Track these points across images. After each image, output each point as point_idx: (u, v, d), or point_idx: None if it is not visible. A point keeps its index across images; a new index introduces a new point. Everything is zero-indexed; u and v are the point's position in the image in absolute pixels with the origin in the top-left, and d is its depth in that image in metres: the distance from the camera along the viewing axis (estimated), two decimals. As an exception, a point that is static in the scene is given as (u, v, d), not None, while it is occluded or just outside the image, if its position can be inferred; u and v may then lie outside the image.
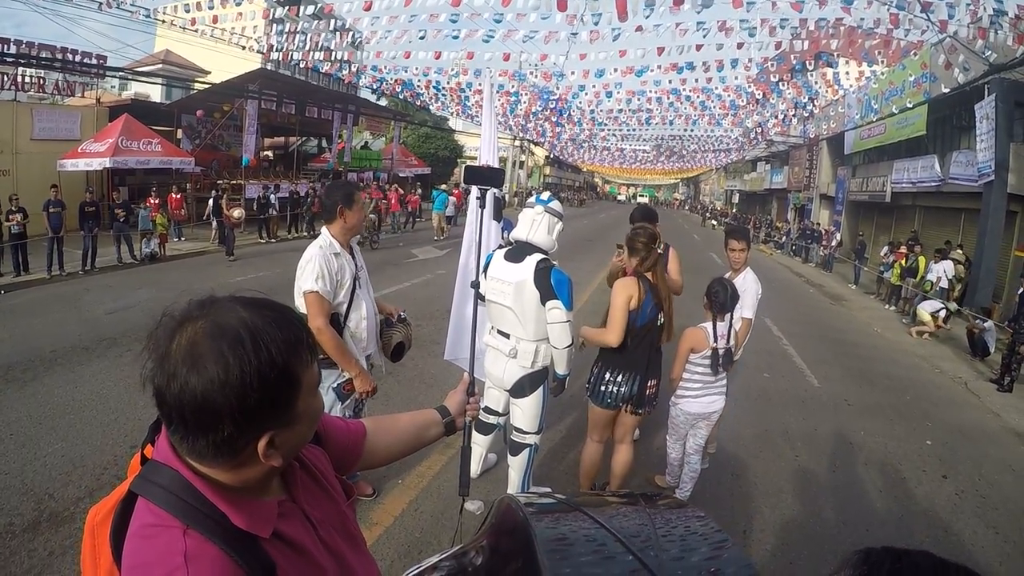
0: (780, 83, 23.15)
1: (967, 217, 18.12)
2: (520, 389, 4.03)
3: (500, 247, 4.38)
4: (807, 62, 21.28)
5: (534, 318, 3.85)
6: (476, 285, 3.39)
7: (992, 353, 11.38)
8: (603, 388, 3.81)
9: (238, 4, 23.60)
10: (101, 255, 14.00)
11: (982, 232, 15.04)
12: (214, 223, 18.34)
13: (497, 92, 23.62)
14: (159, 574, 0.93)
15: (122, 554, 0.98)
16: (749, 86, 21.80)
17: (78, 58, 19.62)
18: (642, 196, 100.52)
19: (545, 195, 4.26)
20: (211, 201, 18.77)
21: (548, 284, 3.80)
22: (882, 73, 19.86)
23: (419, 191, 31.79)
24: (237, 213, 16.81)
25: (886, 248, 18.98)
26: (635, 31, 13.66)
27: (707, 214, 55.21)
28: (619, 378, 3.77)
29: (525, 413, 4.06)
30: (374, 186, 26.65)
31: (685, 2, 11.64)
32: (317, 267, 3.46)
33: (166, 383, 0.94)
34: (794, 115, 25.97)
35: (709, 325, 4.26)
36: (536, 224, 4.04)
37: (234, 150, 25.88)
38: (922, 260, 16.07)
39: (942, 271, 14.67)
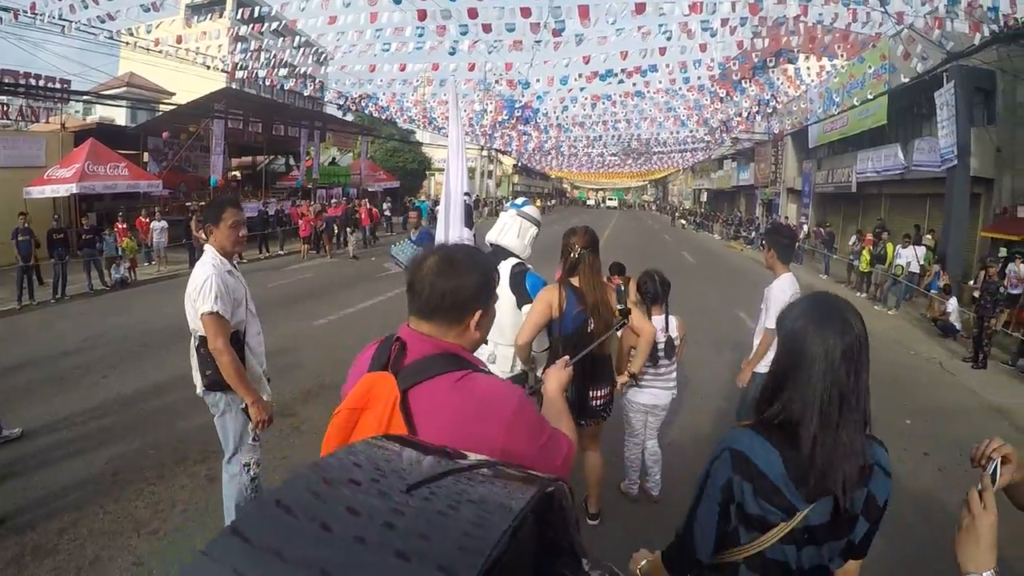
0: (743, 81, 23.49)
1: (932, 202, 18.55)
2: None
3: None
4: (768, 60, 21.63)
5: (511, 323, 3.83)
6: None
7: (960, 330, 11.67)
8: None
9: (201, 22, 23.41)
10: (71, 282, 13.74)
11: (948, 215, 15.44)
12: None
13: (463, 100, 23.76)
14: (514, 395, 1.52)
15: (412, 410, 1.44)
16: (712, 86, 22.07)
17: (41, 83, 19.35)
18: (611, 199, 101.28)
19: (519, 200, 4.31)
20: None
21: (523, 288, 3.81)
22: (842, 67, 20.25)
23: (388, 204, 31.87)
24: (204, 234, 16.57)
25: (854, 238, 19.23)
26: (598, 41, 13.80)
27: (676, 214, 55.73)
28: None
29: None
30: (343, 201, 26.70)
31: (646, 7, 11.81)
32: (215, 287, 3.29)
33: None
34: (758, 112, 26.36)
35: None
36: (507, 228, 4.06)
37: (202, 171, 25.64)
38: (889, 247, 16.34)
39: (912, 255, 14.91)
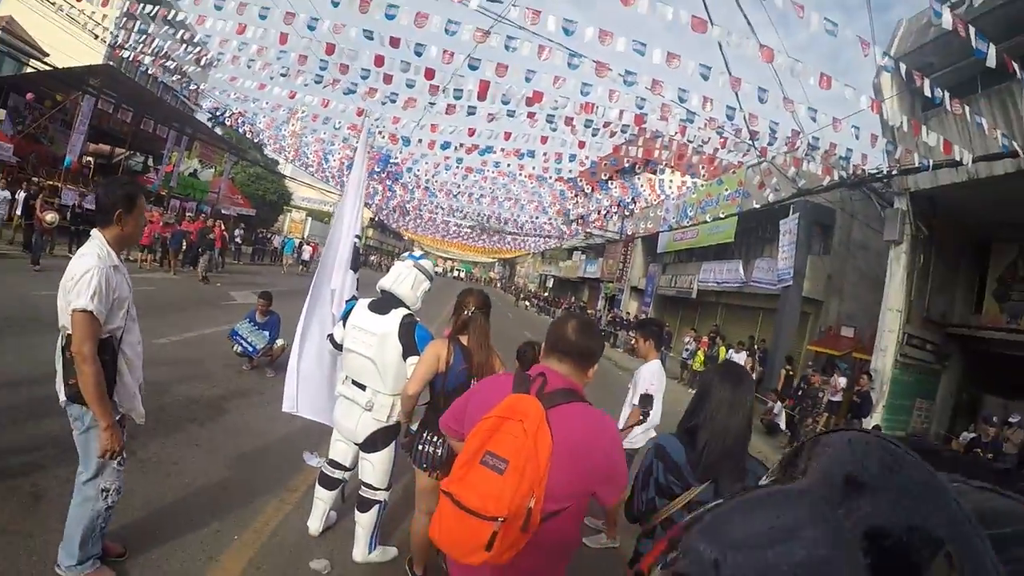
0: (609, 180, 25.08)
1: (765, 315, 20.83)
2: (372, 443, 3.96)
3: (354, 297, 4.44)
4: (637, 166, 23.32)
5: (394, 372, 3.83)
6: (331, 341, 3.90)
7: (783, 429, 13.39)
8: (419, 447, 3.63)
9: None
10: None
11: (778, 328, 17.42)
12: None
13: (341, 144, 23.47)
14: (612, 421, 2.22)
15: (552, 423, 1.96)
16: (580, 180, 23.21)
17: None
18: (459, 269, 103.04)
19: (418, 252, 4.44)
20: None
21: (412, 339, 3.81)
22: (702, 185, 22.36)
23: (241, 231, 30.76)
24: (50, 216, 15.16)
25: (689, 338, 20.92)
26: (486, 117, 14.00)
27: (520, 295, 57.71)
28: (434, 439, 3.58)
29: (376, 468, 3.99)
30: (202, 217, 25.24)
31: (543, 97, 12.24)
32: (96, 282, 2.84)
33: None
34: (615, 212, 28.12)
35: None
36: (402, 277, 4.08)
37: (57, 147, 23.33)
38: (722, 350, 18.06)
39: (742, 361, 16.53)
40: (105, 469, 3.06)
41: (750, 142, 12.65)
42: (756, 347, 18.02)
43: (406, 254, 4.35)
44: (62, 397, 2.98)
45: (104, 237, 3.00)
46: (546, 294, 57.18)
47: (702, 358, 18.77)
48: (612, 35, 8.70)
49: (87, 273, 2.83)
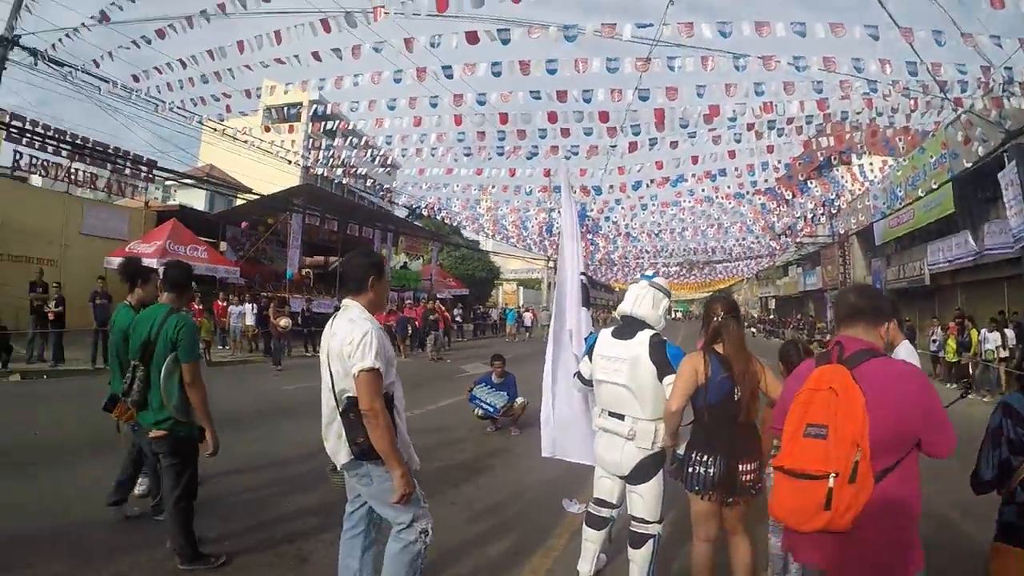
0: (808, 181, 23.85)
1: (1011, 284, 18.18)
2: (639, 474, 3.76)
3: (592, 332, 4.40)
4: (832, 158, 22.02)
5: (652, 395, 3.67)
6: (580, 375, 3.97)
7: None
8: (690, 470, 3.42)
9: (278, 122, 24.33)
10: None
11: (1030, 293, 15.11)
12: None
13: (534, 208, 24.47)
14: (918, 369, 2.38)
15: (858, 381, 2.14)
16: (778, 188, 22.23)
17: (130, 159, 19.43)
18: (677, 311, 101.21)
19: (650, 272, 4.32)
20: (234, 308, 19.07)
21: (665, 358, 3.66)
22: (904, 160, 20.67)
23: (459, 311, 32.78)
24: (284, 322, 17.12)
25: (935, 329, 18.65)
26: (670, 145, 13.77)
27: (744, 322, 55.37)
28: (704, 459, 3.36)
29: (646, 500, 3.76)
30: (423, 302, 27.44)
31: (719, 110, 11.78)
32: (376, 341, 2.96)
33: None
34: (822, 213, 26.52)
35: None
36: (640, 298, 3.93)
37: (277, 264, 26.67)
38: (973, 333, 16.07)
39: (998, 340, 14.70)
40: (420, 513, 3.15)
41: (942, 95, 11.64)
42: (1009, 321, 15.97)
43: (639, 275, 4.27)
44: (342, 460, 3.09)
45: (361, 304, 3.15)
46: (770, 316, 54.49)
47: (954, 346, 16.74)
48: (769, 24, 8.72)
49: (366, 335, 2.95)
